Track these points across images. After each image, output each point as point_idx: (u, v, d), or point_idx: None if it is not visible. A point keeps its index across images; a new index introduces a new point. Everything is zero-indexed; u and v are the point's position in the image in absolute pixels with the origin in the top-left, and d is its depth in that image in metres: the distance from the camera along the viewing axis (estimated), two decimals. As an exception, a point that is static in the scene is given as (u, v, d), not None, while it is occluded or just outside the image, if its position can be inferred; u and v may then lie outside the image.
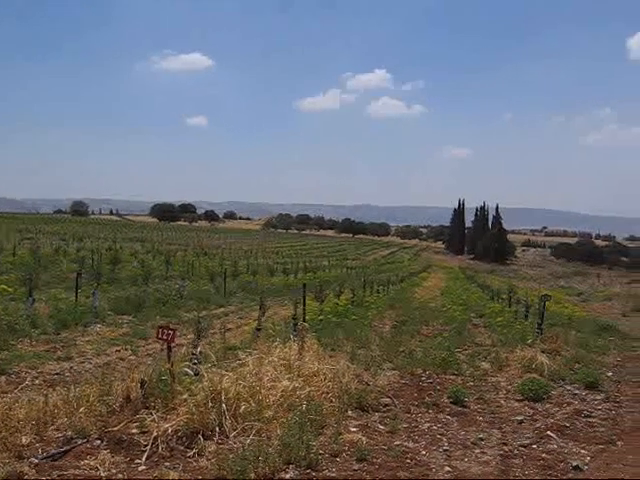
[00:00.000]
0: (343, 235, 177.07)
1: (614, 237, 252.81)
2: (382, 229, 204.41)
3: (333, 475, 5.06)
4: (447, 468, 5.43)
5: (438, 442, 6.18)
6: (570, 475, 5.49)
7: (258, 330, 11.11)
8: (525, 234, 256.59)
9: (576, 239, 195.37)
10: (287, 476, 4.97)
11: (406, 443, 6.07)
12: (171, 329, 6.64)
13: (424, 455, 5.75)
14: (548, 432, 6.69)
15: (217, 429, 5.72)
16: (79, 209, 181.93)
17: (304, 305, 11.99)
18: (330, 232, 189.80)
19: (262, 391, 6.48)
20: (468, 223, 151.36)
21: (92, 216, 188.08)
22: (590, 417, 7.47)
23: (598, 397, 8.47)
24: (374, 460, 5.44)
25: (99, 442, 5.48)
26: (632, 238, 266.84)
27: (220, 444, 5.51)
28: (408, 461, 5.53)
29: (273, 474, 4.92)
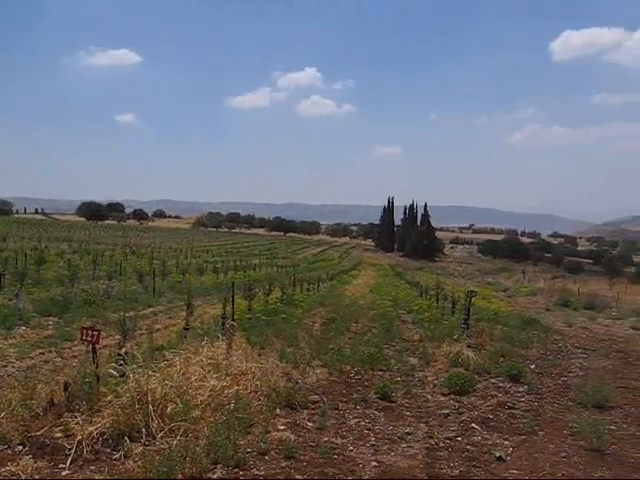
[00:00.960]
0: (274, 233, 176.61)
1: (539, 234, 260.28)
2: (313, 227, 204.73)
3: (261, 473, 5.05)
4: (374, 463, 5.49)
5: (366, 437, 6.24)
6: (493, 466, 5.63)
7: (186, 330, 11.00)
8: (453, 231, 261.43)
9: (503, 236, 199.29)
10: (214, 476, 4.94)
11: (334, 439, 6.10)
12: (96, 330, 6.51)
13: (352, 451, 5.80)
14: (473, 424, 6.85)
15: (144, 430, 5.64)
16: (2, 208, 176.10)
17: (233, 304, 11.92)
18: (261, 230, 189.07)
19: (189, 391, 6.42)
20: (398, 221, 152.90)
21: (16, 215, 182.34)
22: (513, 409, 7.68)
23: (521, 389, 8.72)
24: (302, 457, 5.46)
25: (21, 448, 5.33)
26: (556, 235, 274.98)
27: (147, 446, 5.43)
28: (336, 457, 5.57)
29: (200, 474, 4.89)
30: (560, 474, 5.50)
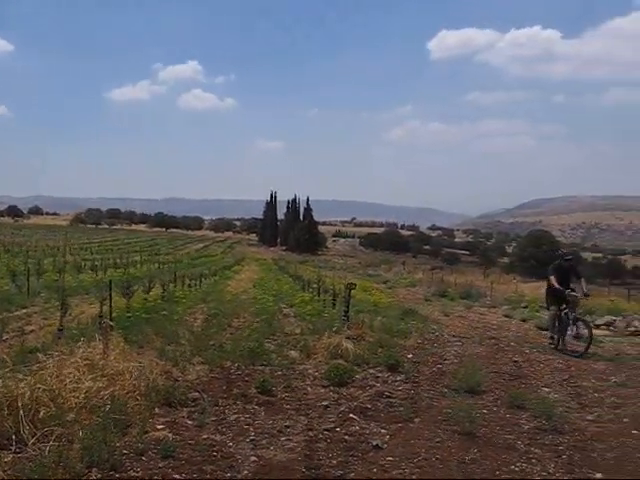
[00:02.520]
0: (155, 229, 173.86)
1: (418, 227, 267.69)
2: (195, 222, 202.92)
3: (137, 475, 4.97)
4: (253, 458, 5.50)
5: (245, 433, 6.24)
6: (371, 454, 5.77)
7: (60, 331, 10.63)
8: (336, 225, 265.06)
9: (383, 229, 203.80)
10: (89, 480, 4.82)
11: (213, 436, 6.08)
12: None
13: (231, 447, 5.79)
14: (351, 415, 6.97)
15: (14, 437, 5.43)
16: None
17: (110, 302, 11.63)
18: (142, 226, 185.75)
19: (63, 394, 6.21)
20: (281, 215, 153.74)
21: None
22: (391, 398, 7.88)
23: (399, 378, 8.95)
24: (180, 456, 5.41)
25: None
26: (434, 228, 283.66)
27: (18, 453, 5.21)
28: (215, 454, 5.55)
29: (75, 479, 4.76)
30: (434, 458, 5.71)
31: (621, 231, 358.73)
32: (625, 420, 7.43)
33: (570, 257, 13.69)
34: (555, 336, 12.90)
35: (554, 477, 5.44)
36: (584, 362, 11.24)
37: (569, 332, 12.52)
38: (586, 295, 13.04)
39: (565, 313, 12.68)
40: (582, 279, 13.31)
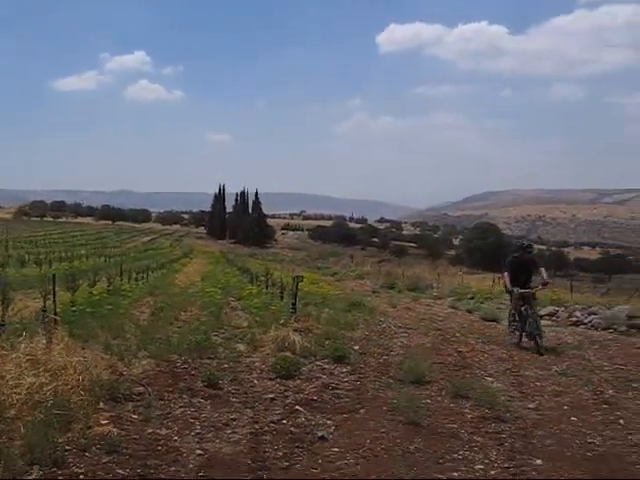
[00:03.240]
0: (102, 222, 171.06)
1: (366, 219, 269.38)
2: (143, 215, 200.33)
3: (80, 471, 4.91)
4: (198, 451, 5.50)
5: (191, 426, 6.22)
6: (316, 445, 5.82)
7: (2, 326, 10.42)
8: (285, 218, 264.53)
9: (332, 222, 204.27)
10: (30, 477, 4.75)
11: (159, 430, 6.04)
12: None
13: (176, 441, 5.76)
14: (297, 407, 7.01)
15: (-47, 435, 5.32)
16: None
17: (54, 296, 11.43)
18: (89, 219, 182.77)
19: (4, 390, 6.11)
20: (229, 208, 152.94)
21: None
22: (337, 389, 7.94)
23: (345, 370, 9.02)
24: (125, 451, 5.36)
25: None
26: (382, 220, 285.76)
27: (-44, 450, 5.12)
28: (159, 448, 5.52)
29: (15, 478, 4.68)
30: (379, 448, 5.79)
31: (565, 224, 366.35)
32: (565, 408, 7.64)
33: (531, 249, 13.02)
34: (517, 332, 12.44)
35: (496, 464, 5.56)
36: (526, 352, 11.47)
37: (527, 328, 11.99)
38: (544, 284, 12.55)
39: (525, 308, 12.11)
40: (542, 269, 12.77)
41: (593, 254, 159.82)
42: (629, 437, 6.54)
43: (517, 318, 12.43)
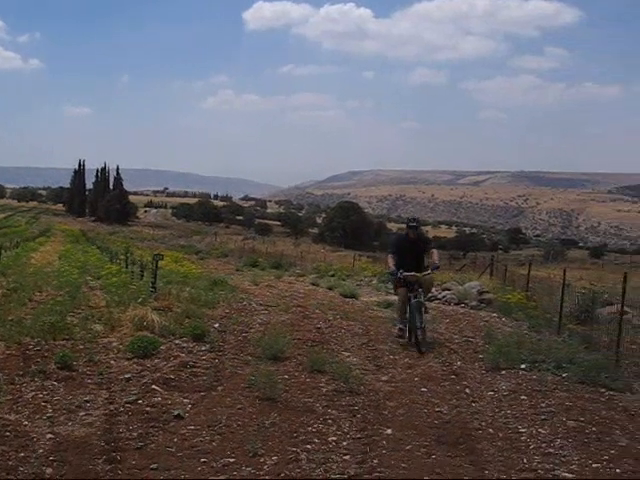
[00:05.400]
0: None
1: (231, 197, 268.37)
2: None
3: None
4: (49, 435, 5.36)
5: (42, 410, 6.03)
6: (172, 424, 5.82)
7: None
8: (148, 195, 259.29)
9: (196, 200, 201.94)
10: None
11: (8, 415, 5.82)
12: None
13: (26, 425, 5.58)
14: (154, 386, 6.96)
15: None
16: None
17: None
18: None
19: None
20: (90, 185, 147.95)
21: None
22: (195, 367, 7.93)
23: (204, 348, 9.00)
24: (-32, 438, 5.17)
25: None
26: (247, 198, 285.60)
27: None
28: (8, 434, 5.33)
29: None
30: (235, 425, 5.87)
31: (424, 203, 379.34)
32: (416, 379, 8.03)
33: (415, 224, 10.59)
34: (398, 325, 10.53)
35: (348, 435, 5.78)
36: (384, 326, 11.87)
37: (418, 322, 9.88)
38: (434, 268, 10.66)
39: (409, 297, 10.13)
40: (433, 250, 10.83)
41: (450, 233, 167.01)
42: (473, 405, 6.97)
43: (408, 310, 10.21)
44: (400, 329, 10.37)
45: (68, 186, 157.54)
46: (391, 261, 10.45)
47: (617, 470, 5.12)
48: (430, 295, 13.92)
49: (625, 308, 10.16)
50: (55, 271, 21.10)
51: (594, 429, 6.13)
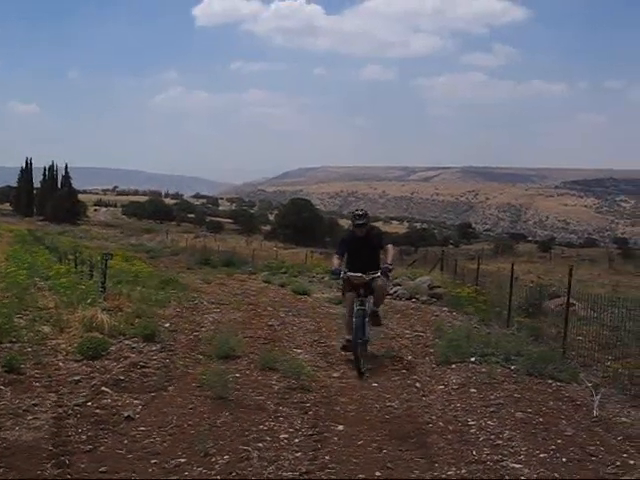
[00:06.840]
0: None
1: (182, 195, 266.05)
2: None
3: None
4: (-5, 441, 5.27)
5: (-12, 415, 5.94)
6: (122, 425, 5.78)
7: None
8: (97, 194, 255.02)
9: (147, 198, 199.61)
10: None
11: (-48, 421, 5.72)
12: None
13: (-30, 432, 5.49)
14: (103, 388, 6.88)
15: None
16: None
17: None
18: None
19: None
20: (37, 183, 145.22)
21: None
22: (145, 368, 7.86)
23: (154, 348, 8.93)
24: None
25: None
26: (198, 196, 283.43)
27: None
28: (-48, 439, 5.24)
29: None
30: (186, 425, 5.85)
31: (375, 199, 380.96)
32: (366, 375, 8.06)
33: (361, 221, 8.84)
34: (351, 338, 8.58)
35: (300, 432, 5.81)
36: (335, 322, 11.91)
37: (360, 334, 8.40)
38: (385, 271, 8.73)
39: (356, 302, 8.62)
40: (388, 247, 8.97)
41: (401, 228, 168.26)
42: (423, 399, 7.10)
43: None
44: (347, 340, 8.72)
45: (15, 185, 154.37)
46: (335, 261, 9.00)
47: (563, 459, 5.26)
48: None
49: (571, 300, 10.41)
50: (1, 272, 20.68)
51: (541, 420, 6.28)
